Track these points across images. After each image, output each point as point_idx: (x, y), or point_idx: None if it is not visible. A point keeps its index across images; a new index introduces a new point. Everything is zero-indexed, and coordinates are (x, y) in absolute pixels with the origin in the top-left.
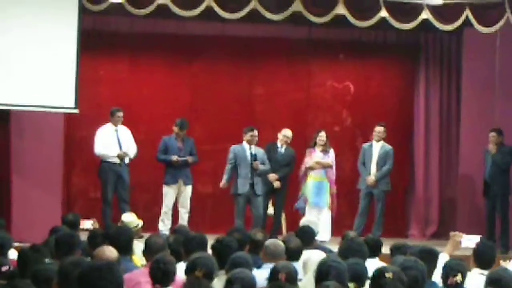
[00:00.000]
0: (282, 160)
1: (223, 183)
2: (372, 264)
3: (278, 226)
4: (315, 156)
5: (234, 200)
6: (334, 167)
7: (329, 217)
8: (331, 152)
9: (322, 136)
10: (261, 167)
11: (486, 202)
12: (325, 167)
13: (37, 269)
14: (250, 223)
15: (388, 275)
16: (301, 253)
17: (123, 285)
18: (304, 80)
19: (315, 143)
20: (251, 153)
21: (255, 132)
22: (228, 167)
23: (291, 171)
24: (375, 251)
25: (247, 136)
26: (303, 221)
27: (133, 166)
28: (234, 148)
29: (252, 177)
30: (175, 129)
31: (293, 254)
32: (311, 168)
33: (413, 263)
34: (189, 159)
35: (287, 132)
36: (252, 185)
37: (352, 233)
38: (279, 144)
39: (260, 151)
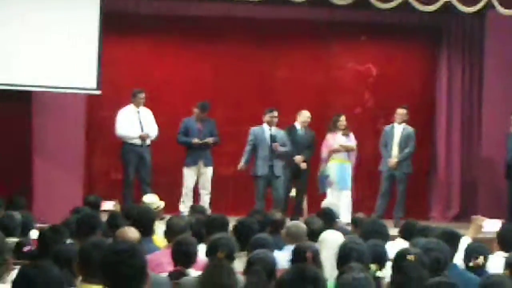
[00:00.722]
0: (302, 142)
1: (240, 165)
2: (394, 246)
3: (300, 208)
4: (338, 139)
5: (254, 182)
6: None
7: (349, 199)
8: (351, 136)
9: (342, 120)
10: (280, 148)
11: (508, 185)
12: (349, 150)
13: (58, 249)
14: (271, 205)
15: (410, 257)
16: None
17: (146, 267)
18: (326, 62)
19: (336, 127)
20: (270, 135)
21: (275, 113)
22: (247, 148)
23: (313, 153)
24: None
25: (267, 117)
26: (324, 203)
27: (155, 148)
28: (253, 129)
29: (271, 158)
30: (196, 111)
31: (315, 236)
32: (335, 151)
33: (436, 245)
34: (210, 140)
35: (306, 113)
36: (271, 167)
37: (360, 216)
38: (298, 126)
39: (280, 133)
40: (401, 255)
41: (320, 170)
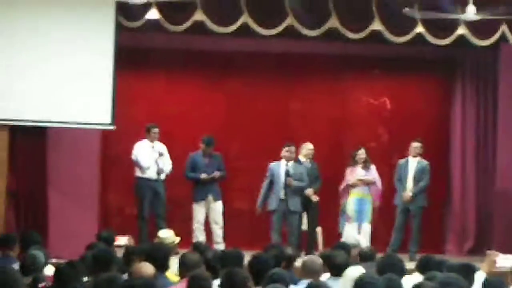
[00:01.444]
0: (311, 174)
1: (257, 210)
2: (411, 280)
3: (313, 241)
4: (357, 173)
5: (271, 216)
6: (379, 182)
7: (368, 234)
8: (373, 168)
9: (361, 153)
10: (295, 183)
11: None
12: (368, 184)
13: (74, 286)
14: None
15: None
16: (346, 268)
17: None
18: (340, 96)
19: (355, 161)
20: (286, 170)
21: (292, 148)
22: (263, 184)
23: (320, 184)
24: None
25: (283, 152)
26: (345, 237)
27: (169, 182)
28: (271, 165)
29: (286, 193)
30: (202, 146)
31: (339, 269)
32: (353, 186)
33: (453, 280)
34: (216, 174)
35: (308, 145)
36: (286, 202)
37: (367, 248)
38: (303, 159)
39: (298, 168)
40: None
41: (341, 206)
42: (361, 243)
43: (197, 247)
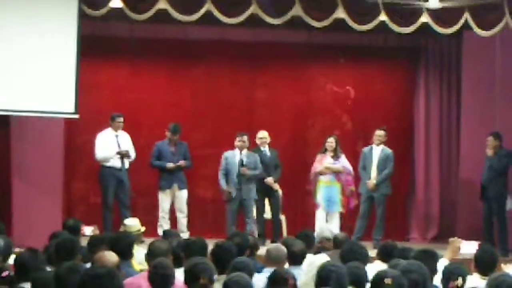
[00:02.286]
0: (270, 162)
1: (223, 188)
2: (373, 268)
3: (278, 229)
4: (325, 161)
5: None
6: (351, 168)
7: (337, 221)
8: (342, 157)
9: (330, 141)
10: (248, 172)
11: (483, 206)
12: (335, 172)
13: (36, 276)
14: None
15: (387, 281)
16: (305, 257)
17: None
18: (305, 84)
19: (325, 149)
20: (240, 159)
21: (244, 137)
22: (220, 173)
23: (281, 171)
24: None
25: (236, 142)
26: (317, 228)
27: (134, 171)
28: (225, 154)
29: (240, 182)
30: (168, 134)
31: (297, 258)
32: (320, 173)
33: (415, 267)
34: (182, 163)
35: (263, 134)
36: (240, 190)
37: (341, 235)
38: (261, 147)
39: (252, 156)
40: (378, 278)
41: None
42: (330, 229)
43: (166, 234)
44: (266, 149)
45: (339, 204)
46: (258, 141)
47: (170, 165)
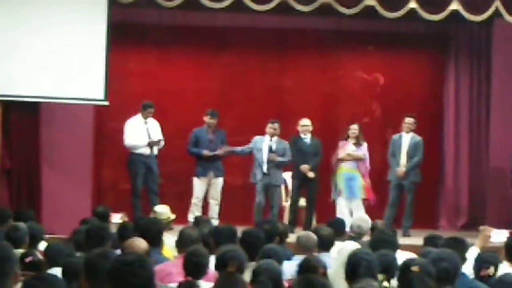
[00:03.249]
0: (309, 150)
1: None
2: (404, 255)
3: (310, 217)
4: (347, 148)
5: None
6: (368, 161)
7: (362, 209)
8: (364, 145)
9: (354, 128)
10: (278, 159)
11: None
12: (356, 159)
13: (66, 262)
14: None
15: (414, 268)
16: (333, 243)
17: (153, 279)
18: (334, 72)
19: (348, 136)
20: (269, 145)
21: (276, 125)
22: (244, 148)
23: (319, 160)
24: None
25: (268, 128)
26: (338, 211)
27: (164, 158)
28: (256, 138)
29: (269, 168)
30: (206, 118)
31: (325, 244)
32: (342, 160)
33: (447, 255)
34: (221, 152)
35: (305, 121)
36: (269, 176)
37: (380, 222)
38: (302, 135)
39: (282, 143)
40: (405, 266)
41: (332, 179)
42: (366, 220)
43: (197, 221)
44: (307, 137)
45: (360, 190)
46: (300, 129)
47: (206, 152)
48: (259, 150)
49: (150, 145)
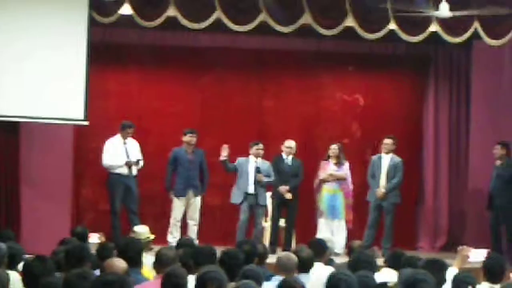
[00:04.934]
0: (290, 171)
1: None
2: (382, 275)
3: (290, 238)
4: (329, 168)
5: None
6: (350, 180)
7: (344, 230)
8: (346, 165)
9: (333, 149)
10: (264, 179)
11: (490, 214)
12: (339, 179)
13: (45, 282)
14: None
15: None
16: (312, 265)
17: None
18: (314, 93)
19: (329, 156)
20: (256, 167)
21: (260, 146)
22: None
23: (300, 181)
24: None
25: (253, 150)
26: (319, 232)
27: (142, 178)
28: (239, 160)
29: (256, 188)
30: (185, 137)
31: (305, 265)
32: (324, 181)
33: (423, 276)
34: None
35: (290, 143)
36: (256, 196)
37: (356, 243)
38: (284, 156)
39: (265, 164)
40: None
41: (316, 201)
42: (333, 241)
43: (181, 243)
44: (289, 158)
45: (342, 212)
46: (284, 149)
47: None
48: (245, 172)
49: (128, 165)
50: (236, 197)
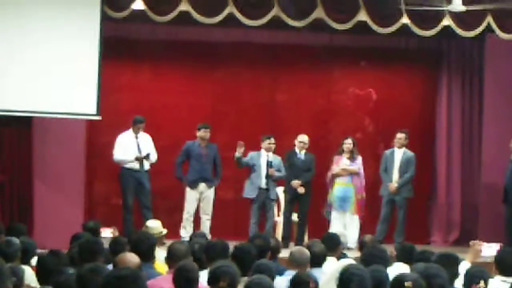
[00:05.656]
0: (302, 165)
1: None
2: (394, 270)
3: (303, 233)
4: (341, 163)
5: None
6: (363, 174)
7: (356, 224)
8: (359, 159)
9: (348, 143)
10: (276, 173)
11: (506, 209)
12: (351, 173)
13: (58, 279)
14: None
15: (408, 284)
16: (325, 259)
17: None
18: (326, 87)
19: (342, 150)
20: (267, 160)
21: (272, 140)
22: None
23: (312, 176)
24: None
25: (265, 144)
26: (332, 226)
27: (155, 173)
28: (251, 154)
29: (268, 183)
30: (198, 132)
31: (317, 259)
32: (337, 175)
33: (435, 270)
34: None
35: (303, 138)
36: (267, 191)
37: (368, 237)
38: (297, 150)
39: (277, 159)
40: (398, 282)
41: (328, 195)
42: (346, 235)
43: (193, 237)
44: (302, 152)
45: (352, 206)
46: (297, 144)
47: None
48: (258, 166)
49: (138, 160)
50: (249, 191)
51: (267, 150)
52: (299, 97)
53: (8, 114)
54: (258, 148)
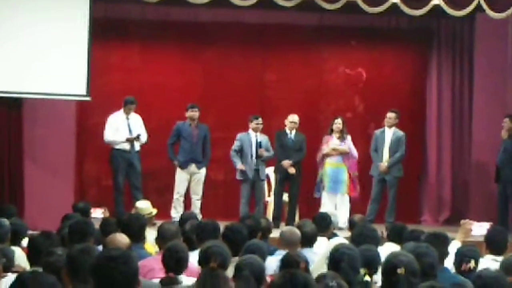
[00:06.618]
0: (293, 145)
1: (240, 166)
2: (384, 249)
3: (293, 213)
4: (331, 143)
5: (240, 185)
6: (355, 153)
7: (347, 204)
8: (348, 138)
9: (338, 123)
10: (265, 153)
11: (498, 188)
12: (342, 153)
13: (48, 259)
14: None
15: (400, 271)
16: (316, 239)
17: (138, 275)
18: (316, 67)
19: (331, 130)
20: (256, 141)
21: (260, 120)
22: (232, 153)
23: (303, 156)
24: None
25: (253, 124)
26: (323, 206)
27: (145, 153)
28: (240, 135)
29: (257, 163)
30: (188, 112)
31: (308, 239)
32: (327, 155)
33: (425, 249)
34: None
35: (293, 118)
36: (257, 171)
37: (357, 217)
38: (287, 130)
39: (264, 138)
40: (390, 269)
41: (318, 175)
42: (336, 215)
43: (183, 218)
44: (292, 132)
45: (344, 185)
46: (287, 124)
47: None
48: (247, 147)
49: (129, 140)
50: (241, 173)
51: (255, 130)
52: (289, 77)
53: None
54: (246, 128)
